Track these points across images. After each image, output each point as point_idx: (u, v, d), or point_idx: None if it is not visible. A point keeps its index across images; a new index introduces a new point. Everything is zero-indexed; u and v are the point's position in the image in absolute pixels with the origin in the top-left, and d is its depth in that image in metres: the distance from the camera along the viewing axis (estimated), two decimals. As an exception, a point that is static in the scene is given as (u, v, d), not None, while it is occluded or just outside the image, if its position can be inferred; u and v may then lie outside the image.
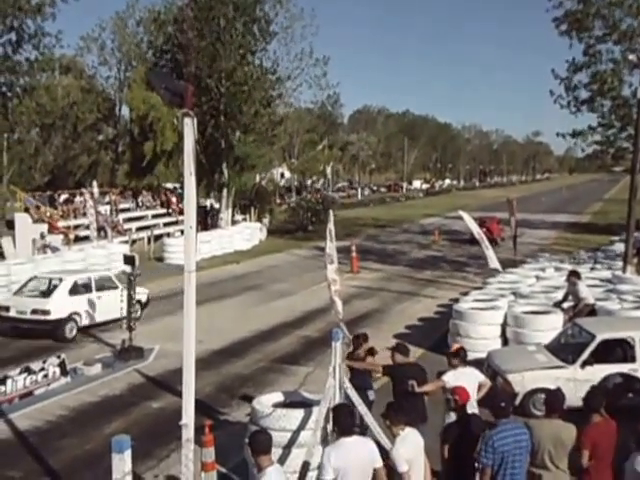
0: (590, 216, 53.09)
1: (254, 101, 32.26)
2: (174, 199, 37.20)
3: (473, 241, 30.63)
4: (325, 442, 7.06)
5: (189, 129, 5.94)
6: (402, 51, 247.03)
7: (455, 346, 8.52)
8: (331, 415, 5.81)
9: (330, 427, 6.07)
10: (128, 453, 5.08)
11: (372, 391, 8.83)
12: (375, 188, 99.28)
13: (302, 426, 7.58)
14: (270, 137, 35.89)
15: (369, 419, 7.20)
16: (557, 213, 54.59)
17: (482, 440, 5.88)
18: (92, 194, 28.76)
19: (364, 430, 7.01)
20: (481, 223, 30.36)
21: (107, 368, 12.73)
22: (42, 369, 11.46)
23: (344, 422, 5.60)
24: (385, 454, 5.99)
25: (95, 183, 34.35)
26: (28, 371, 11.21)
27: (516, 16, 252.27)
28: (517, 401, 9.97)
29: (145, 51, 37.18)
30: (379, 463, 5.61)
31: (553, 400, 6.32)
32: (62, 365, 11.89)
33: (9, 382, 10.87)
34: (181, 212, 33.35)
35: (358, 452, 5.50)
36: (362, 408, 7.29)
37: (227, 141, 32.83)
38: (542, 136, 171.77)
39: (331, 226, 10.34)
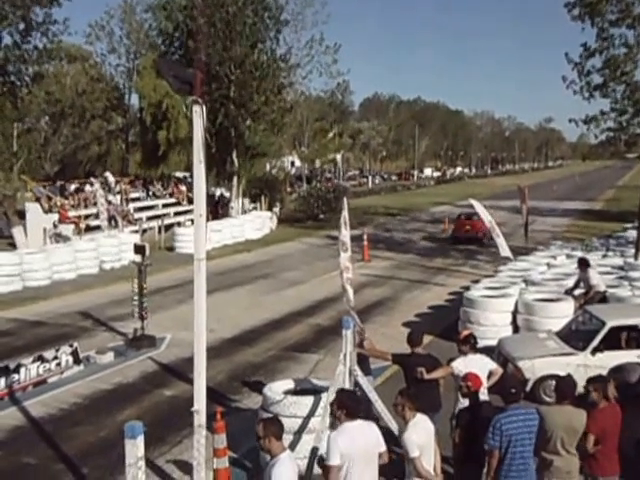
0: (603, 203, 52.69)
1: (264, 89, 32.13)
2: (183, 188, 37.19)
3: (454, 239, 29.99)
4: (333, 428, 7.10)
5: (198, 117, 5.93)
6: (413, 39, 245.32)
7: (464, 332, 8.47)
8: (335, 399, 5.80)
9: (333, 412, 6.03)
10: (141, 439, 5.11)
11: (372, 377, 8.86)
12: (386, 176, 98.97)
13: (312, 413, 7.64)
14: (280, 125, 35.73)
15: (379, 405, 7.22)
16: (569, 200, 54.24)
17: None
18: (106, 183, 28.82)
19: (370, 415, 7.02)
20: (467, 217, 29.90)
21: (120, 356, 12.81)
22: (55, 357, 11.57)
23: (350, 406, 5.59)
24: (395, 441, 6.00)
25: (109, 174, 34.48)
26: (41, 359, 11.33)
27: (527, 3, 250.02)
28: (528, 388, 9.97)
29: (154, 39, 37.03)
30: (383, 447, 5.62)
31: (564, 387, 6.31)
32: (75, 353, 12.00)
33: (23, 370, 10.99)
34: (189, 200, 33.42)
35: (363, 436, 5.49)
36: (372, 395, 7.32)
37: (237, 129, 32.70)
38: (554, 123, 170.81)
39: (346, 214, 10.33)
